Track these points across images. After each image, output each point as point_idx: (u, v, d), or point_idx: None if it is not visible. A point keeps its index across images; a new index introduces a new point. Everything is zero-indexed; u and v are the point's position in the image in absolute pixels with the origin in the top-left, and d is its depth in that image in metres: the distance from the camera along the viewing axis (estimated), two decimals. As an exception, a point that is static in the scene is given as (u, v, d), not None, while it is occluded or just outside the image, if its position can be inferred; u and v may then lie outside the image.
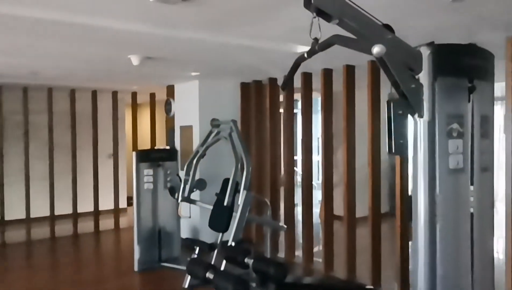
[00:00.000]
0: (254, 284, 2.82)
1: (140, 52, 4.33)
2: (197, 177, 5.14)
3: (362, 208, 4.96)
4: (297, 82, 5.47)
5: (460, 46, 1.94)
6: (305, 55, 1.69)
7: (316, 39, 1.61)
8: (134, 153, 5.57)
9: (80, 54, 4.41)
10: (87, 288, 4.90)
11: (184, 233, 6.06)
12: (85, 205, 7.33)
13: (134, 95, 7.89)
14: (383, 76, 4.53)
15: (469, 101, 1.93)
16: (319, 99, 5.54)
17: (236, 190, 4.51)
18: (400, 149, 1.83)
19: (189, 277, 4.38)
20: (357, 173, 5.02)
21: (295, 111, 6.31)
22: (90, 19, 3.09)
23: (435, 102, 1.84)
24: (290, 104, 5.81)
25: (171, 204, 5.56)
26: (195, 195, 5.34)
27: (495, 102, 2.13)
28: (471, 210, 1.97)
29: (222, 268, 3.73)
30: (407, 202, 4.47)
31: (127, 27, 3.26)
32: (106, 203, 7.53)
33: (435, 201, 1.86)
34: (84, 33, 3.52)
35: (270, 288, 2.73)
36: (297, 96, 6.04)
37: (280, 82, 5.91)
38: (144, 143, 8.04)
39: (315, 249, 5.63)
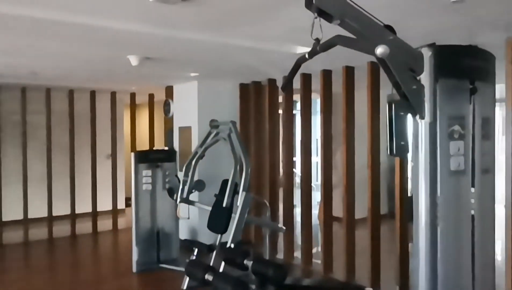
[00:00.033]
0: (253, 286, 2.80)
1: (139, 53, 4.32)
2: (196, 178, 5.13)
3: (361, 210, 4.95)
4: (296, 83, 5.46)
5: (461, 47, 1.93)
6: (306, 56, 1.68)
7: (317, 40, 1.60)
8: (132, 154, 5.56)
9: (79, 54, 4.39)
10: (85, 289, 4.88)
11: (183, 234, 6.04)
12: (83, 206, 7.30)
13: (132, 95, 7.87)
14: (382, 77, 4.56)
15: (470, 102, 1.93)
16: (318, 100, 5.54)
17: (235, 191, 4.49)
18: (401, 150, 1.82)
19: (187, 279, 4.36)
20: (356, 174, 5.01)
21: (294, 112, 6.30)
22: (89, 19, 3.08)
23: (436, 104, 1.83)
24: (289, 105, 5.80)
25: (169, 205, 5.54)
26: (194, 196, 5.32)
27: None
28: (472, 212, 1.96)
29: (221, 270, 3.72)
30: (407, 203, 4.47)
31: (126, 27, 3.25)
32: (104, 204, 7.50)
33: (436, 203, 1.85)
34: (83, 33, 3.51)
35: (270, 290, 2.71)
36: (296, 97, 6.05)
37: (279, 83, 5.90)
38: (143, 144, 8.02)
39: (314, 251, 5.62)
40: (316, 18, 1.55)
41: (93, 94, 7.45)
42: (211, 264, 4.23)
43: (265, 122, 6.07)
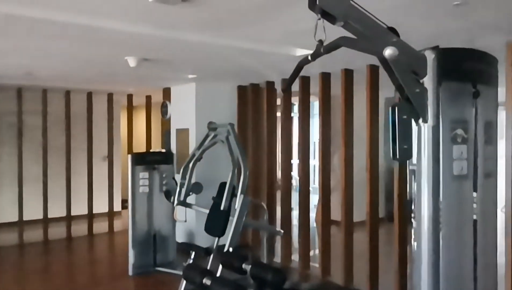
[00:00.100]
0: (252, 291, 2.77)
1: (137, 54, 4.29)
2: (193, 180, 5.10)
3: (359, 213, 4.93)
4: (295, 86, 5.42)
5: (465, 50, 1.92)
6: (309, 57, 1.66)
7: (320, 41, 1.58)
8: (129, 156, 5.52)
9: (76, 55, 4.36)
10: (80, 293, 4.84)
11: (180, 237, 6.00)
12: (79, 208, 7.24)
13: (129, 97, 7.83)
14: (381, 80, 4.55)
15: (473, 106, 1.91)
16: (315, 103, 5.52)
17: (233, 194, 4.46)
18: (404, 155, 1.80)
19: (184, 282, 4.32)
20: (354, 177, 4.99)
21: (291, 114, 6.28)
22: (88, 19, 3.05)
23: (439, 107, 1.81)
24: (287, 107, 5.78)
25: (166, 208, 5.50)
26: (191, 198, 5.28)
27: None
28: (474, 216, 1.94)
29: (218, 274, 3.69)
30: (406, 207, 4.45)
31: (125, 28, 3.22)
32: (100, 206, 7.45)
33: (438, 207, 1.84)
34: (81, 34, 3.48)
35: (268, 294, 2.68)
36: (293, 99, 6.03)
37: (278, 85, 5.88)
38: (140, 146, 7.98)
39: (311, 254, 5.59)
40: (319, 19, 1.52)
41: (89, 95, 7.41)
42: (208, 267, 4.19)
43: (263, 124, 6.04)
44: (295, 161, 6.23)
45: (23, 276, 5.43)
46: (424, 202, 1.86)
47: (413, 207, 5.95)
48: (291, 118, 5.95)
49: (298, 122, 5.56)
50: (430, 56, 1.80)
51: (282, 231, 5.15)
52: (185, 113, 6.37)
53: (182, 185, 5.03)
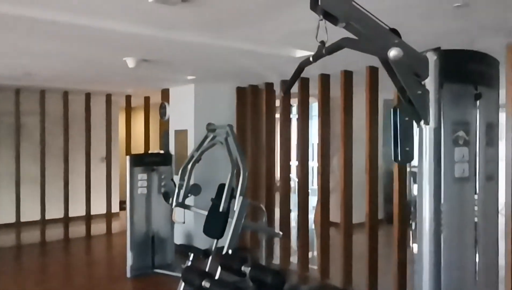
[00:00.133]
0: (251, 293, 2.76)
1: (136, 54, 4.27)
2: (191, 182, 5.08)
3: (358, 215, 4.92)
4: (294, 87, 5.42)
5: (466, 52, 1.91)
6: (311, 59, 1.65)
7: (322, 43, 1.56)
8: (128, 157, 5.50)
9: (75, 55, 4.34)
10: (78, 295, 4.81)
11: (178, 239, 5.98)
12: (77, 209, 7.20)
13: (128, 98, 7.80)
14: (380, 82, 4.54)
15: (474, 108, 1.90)
16: (314, 104, 5.52)
17: (231, 196, 4.44)
18: (406, 157, 1.79)
19: (183, 284, 4.30)
20: (353, 179, 4.98)
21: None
22: (87, 19, 3.03)
23: (441, 109, 1.80)
24: (286, 109, 5.77)
25: (165, 209, 5.48)
26: (190, 200, 5.26)
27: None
28: (475, 219, 1.93)
29: (217, 276, 3.67)
30: (405, 209, 4.44)
31: (124, 28, 3.20)
32: (98, 207, 7.41)
33: (440, 210, 1.82)
34: (80, 34, 3.46)
35: (268, 297, 2.67)
36: (292, 101, 6.02)
37: (277, 87, 5.87)
38: (138, 147, 7.96)
39: (309, 255, 5.57)
40: (321, 20, 1.51)
41: (88, 96, 7.38)
42: (207, 269, 4.18)
43: (262, 126, 6.03)
44: (293, 163, 6.23)
45: (20, 278, 5.39)
46: (425, 204, 1.85)
47: (411, 208, 5.96)
48: (290, 120, 5.93)
49: (297, 123, 5.55)
50: (431, 58, 1.79)
51: (281, 233, 5.13)
52: (183, 115, 6.35)
53: (180, 187, 5.01)
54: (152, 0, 2.51)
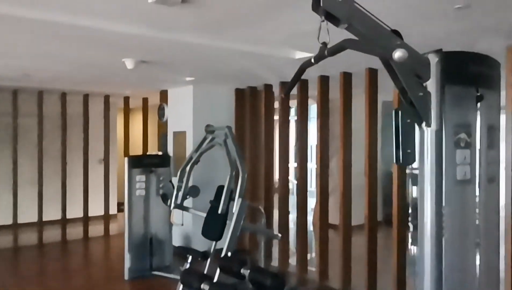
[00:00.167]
0: (251, 296, 2.74)
1: (135, 56, 4.25)
2: (190, 183, 5.06)
3: (356, 217, 4.91)
4: (293, 89, 5.41)
5: (468, 54, 1.90)
6: (312, 60, 1.63)
7: (324, 44, 1.55)
8: (126, 158, 5.47)
9: (73, 56, 4.32)
10: (75, 297, 4.78)
11: (176, 241, 5.95)
12: (75, 211, 7.18)
13: (126, 99, 7.79)
14: (379, 84, 4.54)
15: (476, 110, 1.89)
16: (313, 106, 5.51)
17: (230, 198, 4.43)
18: (408, 159, 1.78)
19: (181, 287, 4.27)
20: (352, 181, 4.97)
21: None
22: (86, 20, 3.01)
23: (443, 111, 1.79)
24: (285, 111, 5.76)
25: (163, 211, 5.46)
26: (188, 202, 5.24)
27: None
28: (477, 221, 1.92)
29: (216, 278, 3.65)
30: (405, 210, 4.43)
31: (123, 29, 3.19)
32: (96, 209, 7.38)
33: (441, 212, 1.81)
34: (79, 35, 3.44)
35: (268, 300, 2.65)
36: (291, 103, 6.00)
37: (275, 88, 5.86)
38: (136, 149, 7.93)
39: (308, 258, 5.56)
40: (323, 21, 1.50)
41: (86, 97, 7.35)
42: (205, 272, 4.15)
43: (260, 127, 6.02)
44: (292, 164, 6.22)
45: (18, 280, 5.35)
46: (427, 207, 1.84)
47: (409, 211, 5.93)
48: (288, 121, 5.92)
49: (296, 125, 5.54)
50: (433, 60, 1.78)
51: (280, 235, 5.12)
52: (182, 116, 6.34)
53: (179, 188, 4.99)
54: (151, 0, 2.49)
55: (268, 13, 2.90)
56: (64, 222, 7.07)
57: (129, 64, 4.37)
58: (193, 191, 5.10)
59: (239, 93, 6.32)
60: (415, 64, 1.73)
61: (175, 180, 5.08)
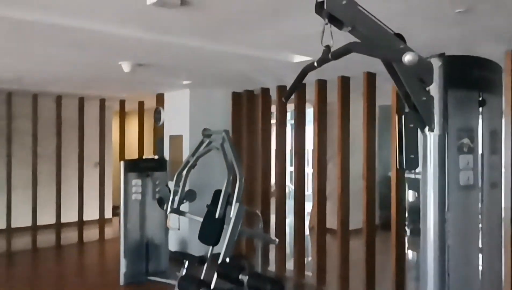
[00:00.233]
0: (249, 302, 2.71)
1: (132, 59, 4.22)
2: (187, 188, 5.02)
3: (354, 221, 4.89)
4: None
5: (471, 58, 1.89)
6: (315, 64, 1.61)
7: (328, 47, 1.53)
8: (122, 162, 5.43)
9: (69, 59, 4.27)
10: (70, 303, 4.72)
11: (172, 246, 5.90)
12: (69, 215, 7.11)
13: (122, 103, 7.74)
14: (378, 88, 4.53)
15: (479, 115, 1.88)
16: (310, 110, 5.50)
17: (227, 202, 4.39)
18: (411, 164, 1.75)
19: (178, 292, 4.22)
20: (350, 185, 4.95)
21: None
22: (83, 22, 2.98)
23: (446, 116, 1.77)
24: (282, 114, 5.74)
25: (159, 216, 5.40)
26: (185, 206, 5.20)
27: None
28: (480, 227, 1.91)
29: (213, 284, 3.61)
30: (403, 214, 4.41)
31: (121, 31, 3.15)
32: (91, 213, 7.32)
33: (445, 218, 1.79)
34: (75, 37, 3.40)
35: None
36: (287, 107, 5.98)
37: (272, 92, 5.84)
38: (132, 152, 7.87)
39: (306, 262, 5.53)
40: (326, 24, 1.48)
41: (81, 100, 7.30)
42: (202, 277, 4.11)
43: (257, 131, 5.99)
44: (289, 168, 6.20)
45: (11, 285, 5.28)
46: (430, 212, 1.82)
47: (406, 215, 5.90)
48: (285, 125, 5.90)
49: (293, 129, 5.52)
50: (436, 64, 1.77)
51: (277, 239, 5.08)
52: (179, 120, 6.30)
53: (175, 193, 4.95)
54: (150, 3, 2.46)
55: (266, 17, 2.88)
56: (58, 226, 7.00)
57: (125, 67, 4.33)
58: (190, 196, 5.06)
59: (236, 96, 6.29)
60: (418, 68, 1.72)
61: (171, 184, 5.04)
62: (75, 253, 6.80)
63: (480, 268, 1.91)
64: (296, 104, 5.40)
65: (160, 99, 6.76)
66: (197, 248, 5.09)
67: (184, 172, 4.98)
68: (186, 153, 5.80)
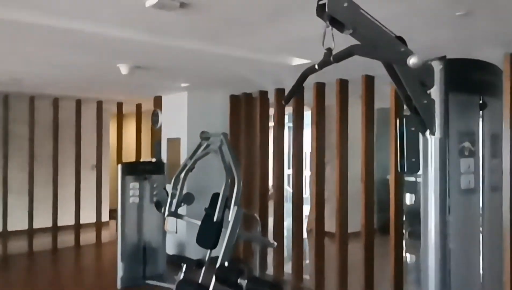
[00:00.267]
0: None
1: (130, 61, 4.20)
2: (184, 191, 4.99)
3: (352, 224, 4.88)
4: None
5: (472, 61, 1.88)
6: (316, 66, 1.60)
7: (329, 50, 1.52)
8: (119, 165, 5.40)
9: (67, 61, 4.25)
10: (66, 307, 4.68)
11: (170, 249, 5.87)
12: (66, 218, 7.07)
13: (119, 105, 7.72)
14: (376, 91, 4.53)
15: (479, 118, 1.87)
16: (308, 113, 5.50)
17: (225, 206, 4.37)
18: (412, 168, 1.75)
19: (175, 296, 4.20)
20: (348, 188, 4.94)
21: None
22: (81, 24, 2.96)
23: (447, 119, 1.77)
24: (280, 117, 5.73)
25: (157, 219, 5.37)
26: (182, 209, 5.17)
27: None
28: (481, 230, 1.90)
29: (211, 288, 3.59)
30: (402, 217, 4.40)
31: (119, 33, 3.14)
32: (88, 216, 7.29)
33: (446, 222, 1.78)
34: (73, 39, 3.38)
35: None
36: (286, 109, 5.97)
37: (271, 95, 5.83)
38: (129, 155, 7.84)
39: (304, 265, 5.51)
40: (328, 27, 1.47)
41: (78, 103, 7.27)
42: (200, 281, 4.09)
43: (255, 134, 5.98)
44: (287, 171, 6.19)
45: (7, 289, 5.24)
46: (431, 216, 1.81)
47: (403, 218, 5.86)
48: (284, 128, 5.89)
49: (292, 132, 5.51)
50: (437, 67, 1.76)
51: (275, 243, 5.06)
52: (176, 122, 6.28)
53: (173, 196, 4.92)
54: (149, 5, 2.45)
55: (265, 20, 2.87)
56: (55, 229, 6.96)
57: (123, 69, 4.31)
58: (188, 199, 5.03)
59: (234, 99, 6.28)
60: (420, 71, 1.71)
61: (169, 187, 5.01)
62: (71, 257, 6.77)
63: (481, 271, 1.91)
64: (294, 107, 5.39)
65: (157, 101, 6.74)
66: (195, 252, 5.06)
67: (182, 175, 4.95)
68: (184, 156, 5.78)
